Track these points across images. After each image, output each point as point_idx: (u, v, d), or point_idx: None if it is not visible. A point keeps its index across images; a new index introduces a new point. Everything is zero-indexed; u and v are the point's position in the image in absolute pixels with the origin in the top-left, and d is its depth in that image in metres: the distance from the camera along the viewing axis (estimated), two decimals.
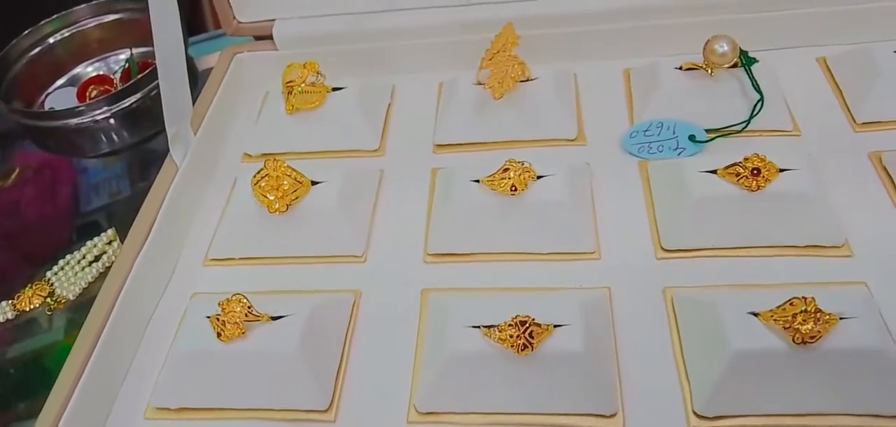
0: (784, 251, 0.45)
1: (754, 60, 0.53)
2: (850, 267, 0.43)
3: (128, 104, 0.69)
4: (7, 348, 0.53)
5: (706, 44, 0.52)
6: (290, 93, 0.57)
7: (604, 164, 0.52)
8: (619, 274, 0.45)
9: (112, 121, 0.69)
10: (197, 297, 0.48)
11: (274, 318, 0.42)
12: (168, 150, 0.53)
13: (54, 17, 0.76)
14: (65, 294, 0.55)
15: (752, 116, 0.52)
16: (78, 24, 0.77)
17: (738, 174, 0.44)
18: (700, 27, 0.55)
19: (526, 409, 0.39)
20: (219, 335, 0.41)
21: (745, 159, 0.44)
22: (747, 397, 0.38)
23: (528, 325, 0.37)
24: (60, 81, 0.77)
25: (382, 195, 0.53)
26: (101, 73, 0.77)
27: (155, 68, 0.67)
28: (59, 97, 0.75)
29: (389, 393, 0.41)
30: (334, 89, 0.58)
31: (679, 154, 0.51)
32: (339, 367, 0.43)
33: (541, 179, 0.47)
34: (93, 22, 0.78)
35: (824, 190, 0.45)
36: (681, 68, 0.54)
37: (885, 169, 0.48)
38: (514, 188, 0.46)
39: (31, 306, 0.55)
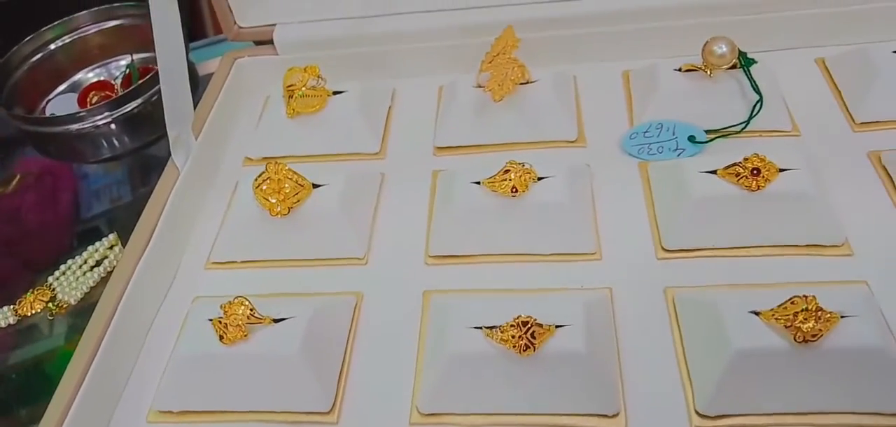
0: (784, 251, 0.45)
1: (753, 61, 0.53)
2: (851, 266, 0.44)
3: (129, 110, 0.69)
4: (9, 353, 0.53)
5: (705, 45, 0.53)
6: (290, 97, 0.57)
7: (604, 166, 0.52)
8: (620, 274, 0.45)
9: (113, 126, 0.70)
10: (199, 300, 0.48)
11: (276, 321, 0.42)
12: (169, 155, 0.53)
13: (55, 23, 0.77)
14: (66, 299, 0.56)
15: (751, 117, 0.52)
16: (79, 31, 0.78)
17: (737, 174, 0.44)
18: (699, 29, 0.56)
19: (528, 410, 0.39)
20: (221, 338, 0.41)
21: (745, 159, 0.44)
22: (749, 396, 0.38)
23: (529, 325, 0.37)
24: (61, 87, 0.77)
25: (383, 198, 0.53)
26: (101, 78, 0.77)
27: (156, 74, 0.67)
28: (60, 103, 0.75)
29: (391, 394, 0.42)
30: (335, 93, 0.58)
31: (679, 155, 0.51)
32: (342, 369, 0.43)
33: (541, 181, 0.47)
34: (94, 28, 0.78)
35: (824, 189, 0.46)
36: (680, 70, 0.54)
37: (884, 168, 0.48)
38: (514, 190, 0.46)
39: (33, 311, 0.55)
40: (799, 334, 0.36)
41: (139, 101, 0.69)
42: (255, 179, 0.48)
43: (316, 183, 0.49)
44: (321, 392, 0.41)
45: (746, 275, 0.44)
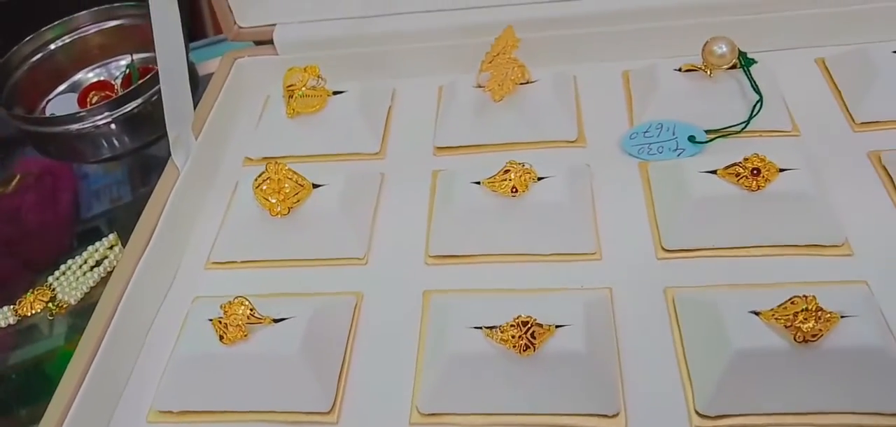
0: (784, 251, 0.45)
1: (753, 61, 0.53)
2: (851, 266, 0.44)
3: (129, 109, 0.69)
4: (9, 353, 0.53)
5: (705, 45, 0.53)
6: (290, 97, 0.57)
7: (604, 166, 0.52)
8: (620, 274, 0.45)
9: (113, 126, 0.70)
10: (199, 300, 0.48)
11: (276, 321, 0.42)
12: (169, 155, 0.53)
13: (55, 23, 0.77)
14: (66, 299, 0.56)
15: (751, 117, 0.52)
16: (79, 31, 0.78)
17: (738, 174, 0.44)
18: (698, 29, 0.56)
19: (528, 410, 0.39)
20: (221, 338, 0.41)
21: (745, 159, 0.44)
22: (749, 396, 0.38)
23: (529, 325, 0.38)
24: (61, 87, 0.77)
25: (383, 198, 0.53)
26: (101, 78, 0.77)
27: (156, 74, 0.67)
28: (60, 103, 0.75)
29: (392, 394, 0.42)
30: (335, 93, 0.58)
31: (679, 155, 0.51)
32: (342, 369, 0.43)
33: (541, 181, 0.47)
34: (93, 28, 0.78)
35: (824, 189, 0.46)
36: (680, 70, 0.54)
37: (884, 168, 0.48)
38: (514, 189, 0.46)
39: (33, 311, 0.55)
40: (799, 334, 0.36)
41: (139, 101, 0.69)
42: (255, 179, 0.48)
43: (316, 183, 0.49)
44: (321, 392, 0.41)
45: (746, 275, 0.44)
